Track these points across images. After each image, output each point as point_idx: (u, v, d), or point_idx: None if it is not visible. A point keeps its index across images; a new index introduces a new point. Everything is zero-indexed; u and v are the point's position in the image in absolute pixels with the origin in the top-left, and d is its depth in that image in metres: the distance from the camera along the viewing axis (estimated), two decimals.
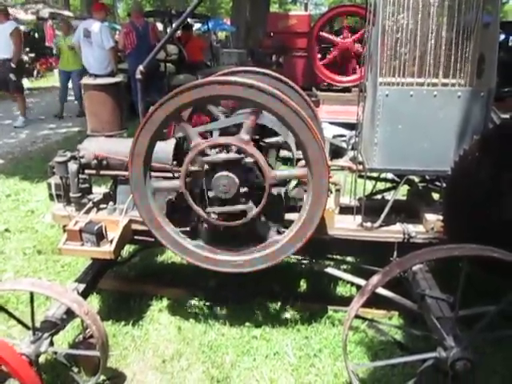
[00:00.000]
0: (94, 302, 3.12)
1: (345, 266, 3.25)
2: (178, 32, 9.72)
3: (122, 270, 3.42)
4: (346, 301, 2.97)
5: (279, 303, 3.01)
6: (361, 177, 2.71)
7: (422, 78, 2.32)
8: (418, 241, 2.56)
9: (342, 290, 3.21)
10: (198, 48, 10.53)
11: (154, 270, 3.54)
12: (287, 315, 2.95)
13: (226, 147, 2.39)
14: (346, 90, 7.15)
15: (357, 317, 2.05)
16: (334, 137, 5.86)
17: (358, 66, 7.03)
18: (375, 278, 1.98)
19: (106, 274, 2.98)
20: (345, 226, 2.64)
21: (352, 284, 3.05)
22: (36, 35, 20.52)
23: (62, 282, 3.38)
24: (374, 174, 3.00)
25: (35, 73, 16.92)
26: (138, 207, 2.48)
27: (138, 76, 2.74)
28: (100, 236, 2.55)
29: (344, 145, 3.80)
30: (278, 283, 3.17)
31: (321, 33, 7.03)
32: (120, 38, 8.35)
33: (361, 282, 2.60)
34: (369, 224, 2.62)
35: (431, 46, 2.33)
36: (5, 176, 5.77)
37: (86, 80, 2.99)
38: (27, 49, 17.59)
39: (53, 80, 16.83)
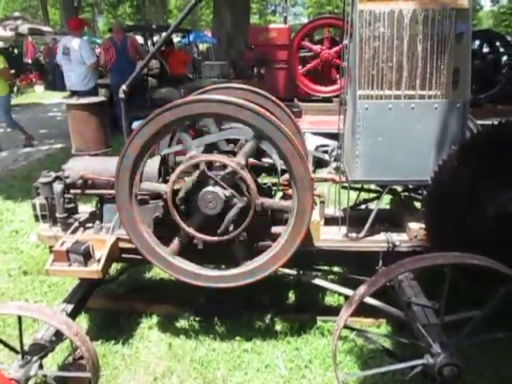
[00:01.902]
0: (83, 321, 3.09)
1: (332, 277, 3.29)
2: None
3: (110, 287, 3.40)
4: (334, 311, 3.00)
5: (269, 316, 3.03)
6: (344, 188, 2.76)
7: (399, 90, 2.39)
8: (403, 249, 2.62)
9: (330, 299, 3.25)
10: (180, 61, 10.59)
11: (142, 286, 3.53)
12: (277, 327, 2.97)
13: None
14: (328, 100, 7.27)
15: (346, 327, 2.09)
16: (317, 147, 5.94)
17: (338, 76, 7.15)
18: (362, 288, 2.02)
19: (95, 292, 2.97)
20: (330, 238, 2.69)
21: (340, 294, 3.09)
22: (15, 51, 20.36)
23: (49, 302, 3.35)
24: (358, 185, 3.05)
25: (15, 89, 16.72)
26: (125, 226, 2.49)
27: (121, 95, 2.76)
28: (87, 256, 2.55)
29: (326, 157, 3.86)
30: (266, 296, 3.19)
31: (302, 42, 7.14)
32: (100, 54, 8.35)
33: (348, 292, 2.64)
34: (354, 234, 2.67)
35: (407, 58, 2.41)
36: None
37: (69, 100, 3.00)
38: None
39: (34, 96, 16.71)
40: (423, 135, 2.40)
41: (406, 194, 3.05)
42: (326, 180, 2.89)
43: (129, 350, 2.83)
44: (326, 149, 5.63)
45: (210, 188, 2.36)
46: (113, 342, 2.88)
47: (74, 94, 7.30)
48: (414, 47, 2.38)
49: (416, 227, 2.62)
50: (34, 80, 18.71)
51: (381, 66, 2.41)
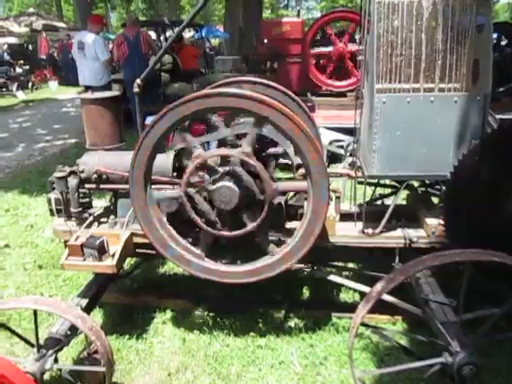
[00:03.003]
0: (97, 316, 3.11)
1: (347, 273, 3.25)
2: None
3: (125, 282, 3.42)
4: (349, 307, 2.98)
5: (283, 312, 3.01)
6: (360, 183, 2.72)
7: (418, 83, 2.34)
8: (420, 245, 2.57)
9: (344, 296, 3.21)
10: (191, 56, 10.58)
11: (156, 281, 3.54)
12: (291, 323, 2.95)
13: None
14: (342, 94, 7.18)
15: (362, 324, 2.05)
16: (331, 142, 5.88)
17: (354, 67, 7.07)
18: (379, 285, 1.99)
19: (109, 287, 2.98)
20: (346, 233, 2.65)
21: (355, 290, 3.06)
22: (30, 47, 20.56)
23: (63, 296, 3.38)
24: (374, 180, 3.01)
25: (30, 85, 16.91)
26: (139, 220, 2.49)
27: (136, 90, 2.74)
28: (102, 250, 2.55)
29: (341, 151, 3.80)
30: (280, 292, 3.17)
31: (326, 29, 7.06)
32: (113, 50, 8.36)
33: (364, 288, 2.60)
34: (370, 230, 2.63)
35: (426, 51, 2.35)
36: (3, 190, 5.76)
37: (83, 94, 3.00)
38: (21, 61, 17.66)
39: (48, 92, 16.87)
40: (442, 129, 2.34)
41: (423, 189, 2.99)
42: (341, 175, 2.84)
43: (143, 345, 2.84)
44: (340, 144, 5.58)
45: (222, 183, 2.34)
46: (127, 336, 2.89)
47: (87, 89, 7.32)
48: (433, 39, 2.32)
49: (434, 223, 2.57)
50: (48, 76, 18.87)
51: (399, 58, 2.36)
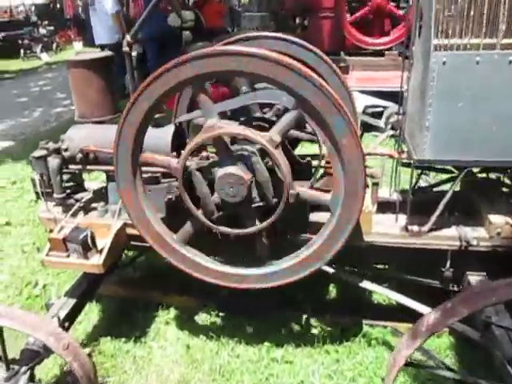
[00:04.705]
0: (93, 312, 2.74)
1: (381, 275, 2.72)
2: None
3: (126, 271, 3.02)
4: (384, 313, 2.50)
5: (304, 316, 2.55)
6: (405, 165, 2.16)
7: (493, 37, 1.72)
8: (480, 249, 2.02)
9: (378, 298, 2.71)
10: (216, 12, 9.80)
11: (161, 271, 3.11)
12: (314, 331, 2.50)
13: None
14: (379, 53, 6.42)
15: (406, 364, 1.55)
16: (366, 108, 5.21)
17: (391, 27, 6.31)
18: (432, 318, 1.47)
19: (107, 277, 2.57)
20: (385, 231, 2.12)
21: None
22: (55, 7, 20.06)
23: (60, 285, 3.03)
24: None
25: (54, 46, 16.52)
26: (128, 209, 2.04)
27: (125, 49, 2.23)
28: (86, 246, 2.13)
29: (380, 123, 3.17)
30: (302, 292, 2.69)
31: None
32: (130, 6, 7.77)
33: (407, 302, 2.09)
34: (415, 227, 2.08)
35: None
36: (13, 160, 5.47)
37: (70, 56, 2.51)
38: (45, 22, 17.25)
39: (73, 53, 16.47)
40: None
41: (484, 174, 2.38)
42: (381, 155, 2.28)
43: (141, 351, 2.46)
44: (376, 110, 4.92)
45: (230, 169, 1.83)
46: (124, 339, 2.52)
47: (103, 48, 6.82)
48: None
49: (500, 221, 2.00)
50: (72, 36, 18.40)
51: (466, 4, 1.73)
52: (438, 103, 1.80)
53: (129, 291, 2.86)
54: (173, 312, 2.69)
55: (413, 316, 2.06)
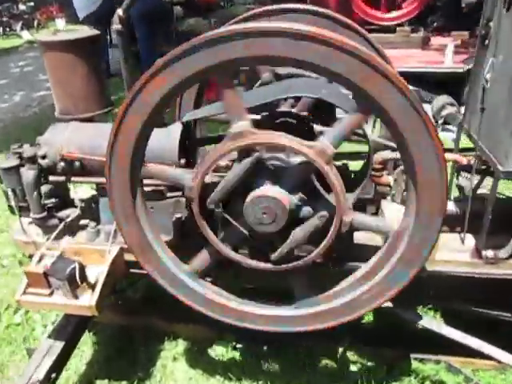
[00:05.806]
0: (86, 344, 2.30)
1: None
2: None
3: (125, 294, 2.56)
4: (437, 345, 2.09)
5: (340, 349, 2.14)
6: (482, 173, 1.73)
7: None
8: None
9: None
10: None
11: (165, 294, 2.67)
12: (353, 368, 2.09)
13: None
14: (389, 29, 5.94)
15: None
16: None
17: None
18: None
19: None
20: (451, 257, 1.69)
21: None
22: None
23: (43, 312, 2.56)
24: None
25: (35, 23, 15.60)
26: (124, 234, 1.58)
27: (117, 26, 1.72)
28: (73, 282, 1.67)
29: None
30: None
31: None
32: None
33: (482, 346, 1.68)
34: (490, 252, 1.65)
35: None
36: None
37: (43, 36, 2.00)
38: None
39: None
40: None
41: None
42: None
43: None
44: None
45: (266, 190, 1.36)
46: (124, 382, 2.08)
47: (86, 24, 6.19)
48: None
49: None
50: (54, 13, 17.43)
51: None
52: None
53: (128, 318, 2.41)
54: (182, 344, 2.27)
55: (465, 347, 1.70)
